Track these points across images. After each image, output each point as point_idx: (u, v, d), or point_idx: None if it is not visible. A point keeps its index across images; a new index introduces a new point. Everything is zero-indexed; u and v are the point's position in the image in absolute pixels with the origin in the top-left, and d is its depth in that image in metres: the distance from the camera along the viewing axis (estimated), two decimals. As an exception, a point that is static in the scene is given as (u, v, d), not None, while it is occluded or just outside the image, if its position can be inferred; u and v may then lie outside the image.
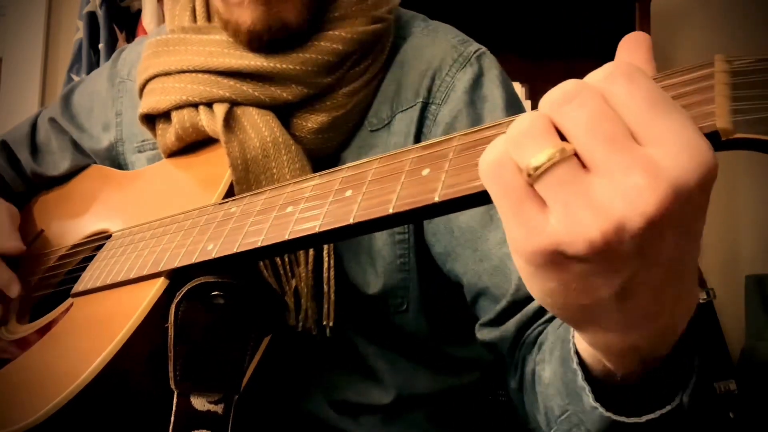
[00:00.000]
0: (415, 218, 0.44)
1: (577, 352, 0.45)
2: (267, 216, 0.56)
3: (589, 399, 0.44)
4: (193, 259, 0.61)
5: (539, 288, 0.36)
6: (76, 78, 2.08)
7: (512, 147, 0.33)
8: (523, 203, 0.33)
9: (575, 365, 0.45)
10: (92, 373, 0.60)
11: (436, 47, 0.82)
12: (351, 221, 0.46)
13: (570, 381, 0.47)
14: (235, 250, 0.57)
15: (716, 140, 0.33)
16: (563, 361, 0.49)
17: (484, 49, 0.83)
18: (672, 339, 0.40)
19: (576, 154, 0.32)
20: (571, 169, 0.32)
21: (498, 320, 0.70)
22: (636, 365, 0.41)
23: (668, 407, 0.43)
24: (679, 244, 0.33)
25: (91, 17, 2.15)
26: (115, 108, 0.96)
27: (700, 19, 2.37)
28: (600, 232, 0.31)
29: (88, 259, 0.81)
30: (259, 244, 0.55)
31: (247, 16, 0.73)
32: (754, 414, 2.01)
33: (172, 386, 0.61)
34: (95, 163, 1.00)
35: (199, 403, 0.62)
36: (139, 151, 0.92)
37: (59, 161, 1.02)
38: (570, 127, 0.32)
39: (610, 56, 0.36)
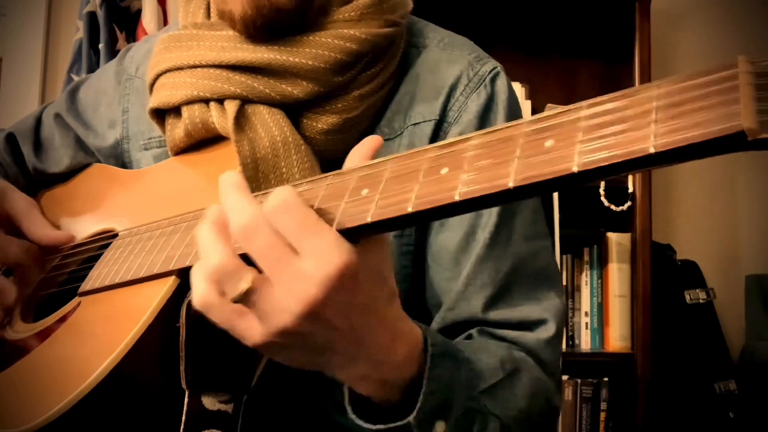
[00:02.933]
0: (434, 217, 0.44)
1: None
2: None
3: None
4: None
5: (281, 359, 0.55)
6: (76, 78, 2.08)
7: (215, 284, 0.50)
8: (233, 317, 0.51)
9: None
10: (102, 374, 0.59)
11: (453, 64, 0.83)
12: (368, 220, 0.46)
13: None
14: None
15: (742, 140, 0.34)
16: None
17: (498, 68, 0.84)
18: (382, 384, 0.57)
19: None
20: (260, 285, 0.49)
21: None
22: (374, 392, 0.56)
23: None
24: (346, 319, 0.50)
25: (91, 17, 2.15)
26: (121, 105, 0.96)
27: (700, 19, 2.38)
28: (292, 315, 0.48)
29: (93, 259, 0.80)
30: None
31: (237, 3, 0.73)
32: (754, 414, 2.02)
33: (184, 386, 0.61)
34: (98, 161, 0.99)
35: (210, 402, 0.62)
36: (145, 149, 0.92)
37: (61, 158, 1.01)
38: (253, 256, 0.49)
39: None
